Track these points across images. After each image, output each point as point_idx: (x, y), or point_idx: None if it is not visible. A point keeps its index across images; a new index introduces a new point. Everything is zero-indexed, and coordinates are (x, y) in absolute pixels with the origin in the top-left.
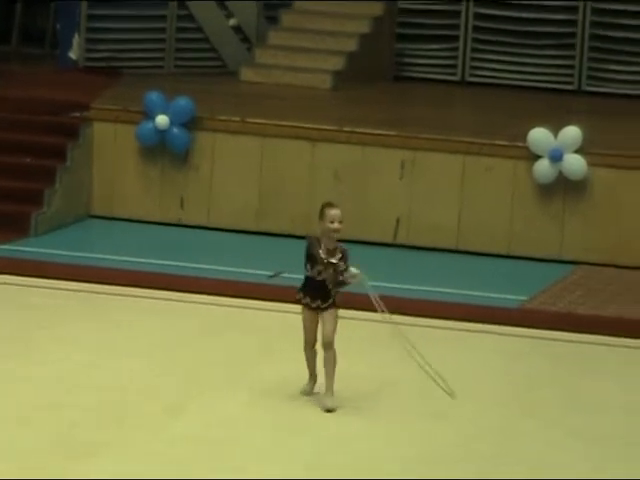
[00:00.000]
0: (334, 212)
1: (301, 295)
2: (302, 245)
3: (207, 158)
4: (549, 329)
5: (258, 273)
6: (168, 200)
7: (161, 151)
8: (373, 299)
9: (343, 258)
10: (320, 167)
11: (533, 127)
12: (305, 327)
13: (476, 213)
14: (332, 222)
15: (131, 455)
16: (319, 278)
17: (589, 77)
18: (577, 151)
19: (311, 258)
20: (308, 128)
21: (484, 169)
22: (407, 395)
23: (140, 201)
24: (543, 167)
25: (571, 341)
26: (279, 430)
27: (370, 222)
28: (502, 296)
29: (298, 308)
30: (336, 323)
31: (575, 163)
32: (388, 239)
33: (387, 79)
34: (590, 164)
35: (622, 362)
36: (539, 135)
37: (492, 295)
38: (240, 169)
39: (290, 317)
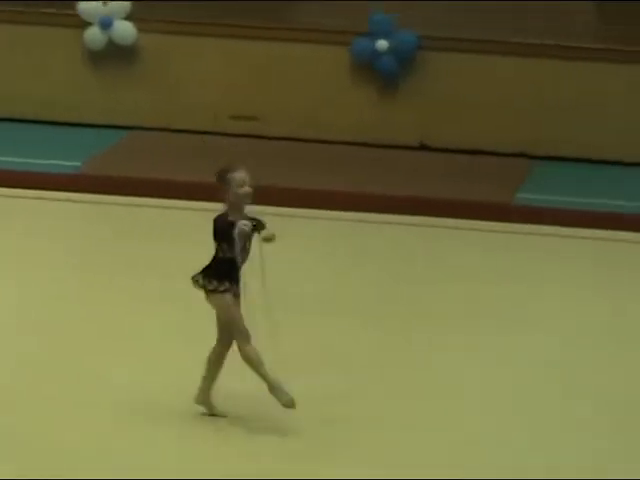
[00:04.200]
0: (241, 175)
1: (215, 283)
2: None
3: None
4: (107, 194)
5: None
6: None
7: None
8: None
9: (258, 226)
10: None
11: None
12: (237, 316)
13: None
14: (242, 186)
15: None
16: (240, 260)
17: None
18: (127, 18)
19: (227, 236)
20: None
21: None
22: None
23: None
24: (93, 34)
25: (128, 204)
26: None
27: None
28: (56, 162)
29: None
30: None
31: (124, 29)
32: None
33: None
34: (140, 30)
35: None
36: (88, 4)
37: (46, 162)
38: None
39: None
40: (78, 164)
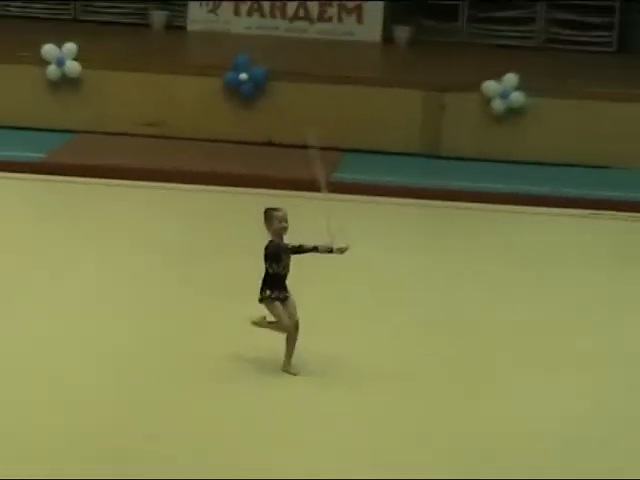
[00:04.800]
0: (283, 213)
1: (268, 292)
2: None
3: None
4: (66, 175)
5: None
6: None
7: None
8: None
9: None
10: None
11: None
12: (284, 315)
13: None
14: (281, 222)
15: None
16: (284, 272)
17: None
18: (75, 58)
19: (276, 258)
20: None
21: None
22: None
23: None
24: (52, 69)
25: (83, 183)
26: None
27: None
28: (23, 154)
29: None
30: None
31: (73, 66)
32: None
33: None
34: (83, 67)
35: None
36: (49, 48)
37: (14, 153)
38: None
39: None
40: (42, 155)
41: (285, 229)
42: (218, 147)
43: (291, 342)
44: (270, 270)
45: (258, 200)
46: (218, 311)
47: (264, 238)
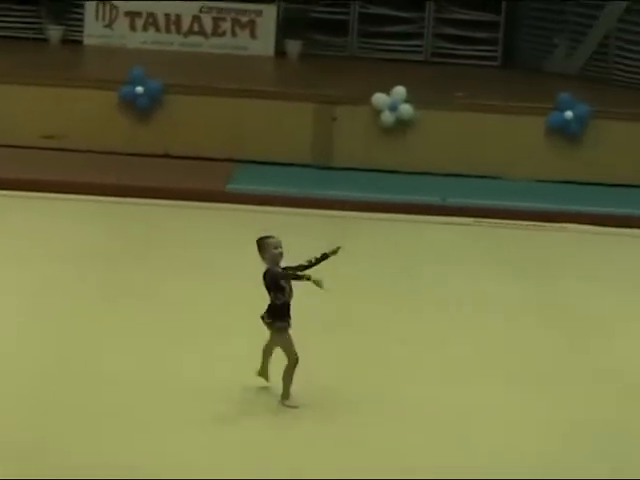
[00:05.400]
0: (274, 240)
1: (278, 323)
2: None
3: None
4: None
5: None
6: None
7: None
8: None
9: (290, 273)
10: None
11: None
12: (292, 347)
13: None
14: (276, 248)
15: None
16: (290, 299)
17: None
18: None
19: (279, 286)
20: None
21: None
22: None
23: None
24: None
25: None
26: None
27: None
28: None
29: None
30: None
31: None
32: None
33: None
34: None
35: None
36: None
37: None
38: None
39: None
40: None
41: (280, 255)
42: (115, 159)
43: (290, 374)
44: (278, 301)
45: (156, 210)
46: (125, 315)
47: (168, 247)
